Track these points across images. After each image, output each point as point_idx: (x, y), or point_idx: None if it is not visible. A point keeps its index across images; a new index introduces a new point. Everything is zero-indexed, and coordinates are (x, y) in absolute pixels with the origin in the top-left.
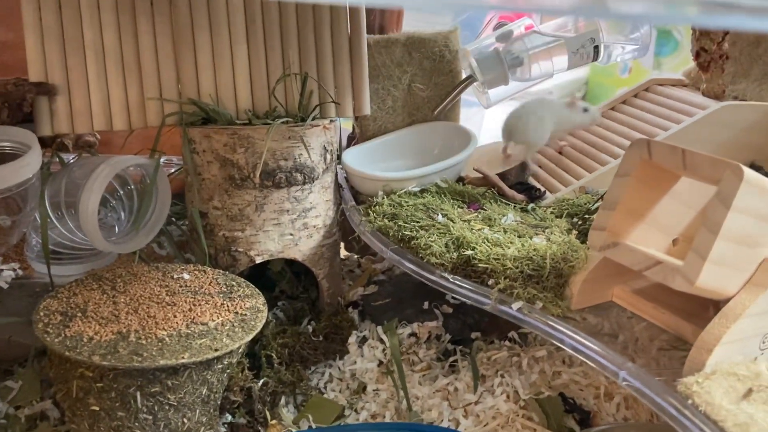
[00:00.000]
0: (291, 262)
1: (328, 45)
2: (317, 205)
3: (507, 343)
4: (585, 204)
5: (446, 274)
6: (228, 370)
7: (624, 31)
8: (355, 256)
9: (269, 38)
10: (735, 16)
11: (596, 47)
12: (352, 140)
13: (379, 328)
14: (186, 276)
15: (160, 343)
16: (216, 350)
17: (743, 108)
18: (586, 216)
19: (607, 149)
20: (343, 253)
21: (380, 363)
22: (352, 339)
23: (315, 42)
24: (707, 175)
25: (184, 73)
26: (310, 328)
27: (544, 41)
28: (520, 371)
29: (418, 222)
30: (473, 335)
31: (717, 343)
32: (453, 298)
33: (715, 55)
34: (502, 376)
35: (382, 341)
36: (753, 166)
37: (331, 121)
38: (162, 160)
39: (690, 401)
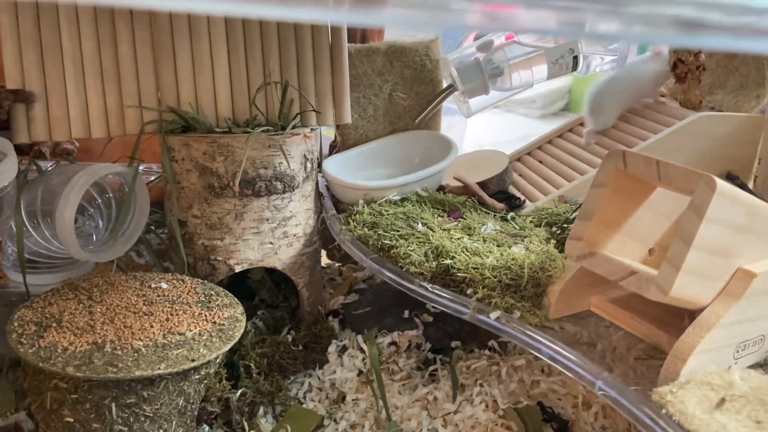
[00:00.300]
0: (271, 271)
1: (309, 53)
2: (297, 214)
3: (486, 352)
4: (564, 213)
5: (425, 284)
6: (205, 381)
7: (603, 43)
8: (337, 265)
9: (250, 46)
10: (710, 37)
11: (575, 58)
12: (334, 148)
13: (360, 337)
14: (164, 285)
15: (136, 354)
16: (193, 361)
17: (719, 118)
18: (565, 225)
19: (586, 158)
20: (325, 261)
21: (360, 372)
22: (332, 348)
23: (296, 50)
24: (681, 186)
25: (164, 80)
26: (290, 338)
27: (524, 51)
28: (500, 380)
29: (398, 231)
30: (453, 344)
31: (691, 352)
32: (433, 306)
33: (692, 66)
34: (481, 385)
35: (362, 350)
36: (729, 176)
37: (311, 129)
38: (141, 168)
39: (664, 411)
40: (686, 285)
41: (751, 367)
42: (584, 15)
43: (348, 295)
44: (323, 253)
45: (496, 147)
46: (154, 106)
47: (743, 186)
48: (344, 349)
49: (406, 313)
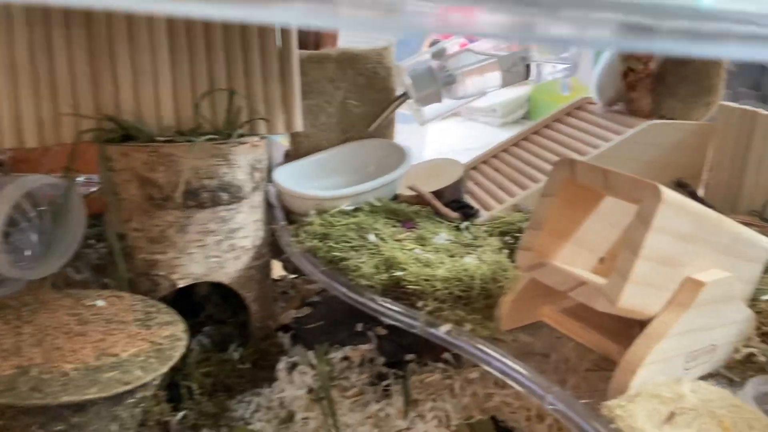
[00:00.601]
0: (219, 285)
1: (257, 59)
2: (245, 226)
3: (441, 365)
4: (517, 222)
5: (375, 297)
6: (142, 404)
7: (555, 51)
8: (290, 277)
9: (194, 51)
10: (656, 41)
11: (527, 66)
12: (288, 157)
13: (311, 353)
14: (100, 303)
15: (64, 378)
16: (127, 384)
17: (670, 126)
18: (518, 234)
19: (540, 167)
20: (279, 273)
21: (310, 390)
22: (282, 365)
23: (243, 56)
24: (628, 195)
25: (103, 87)
26: (237, 355)
27: (477, 59)
28: (453, 394)
29: (349, 242)
30: (408, 357)
31: (640, 364)
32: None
33: (642, 75)
34: (434, 399)
35: (313, 367)
36: (679, 184)
37: (260, 138)
38: (81, 179)
39: (613, 425)
40: (634, 295)
41: (702, 377)
42: (536, 19)
43: (300, 308)
44: (279, 264)
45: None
46: (91, 114)
47: (693, 194)
48: (294, 365)
49: (360, 327)
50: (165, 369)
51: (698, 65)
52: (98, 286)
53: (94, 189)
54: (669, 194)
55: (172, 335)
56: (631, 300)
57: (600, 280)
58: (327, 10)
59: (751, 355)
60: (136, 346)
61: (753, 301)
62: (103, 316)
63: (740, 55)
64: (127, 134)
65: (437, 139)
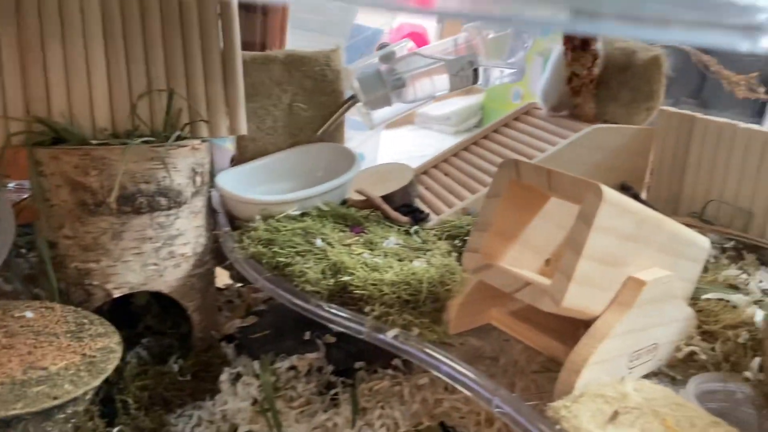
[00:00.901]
0: (159, 294)
1: (198, 59)
2: (186, 232)
3: (390, 371)
4: (466, 226)
5: (321, 303)
6: (73, 420)
7: (502, 56)
8: (236, 285)
9: (131, 50)
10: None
11: (475, 70)
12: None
13: (256, 363)
14: (29, 314)
15: None
16: (55, 398)
17: (612, 131)
18: (467, 238)
19: (488, 171)
20: (225, 281)
21: (255, 401)
22: (224, 376)
23: (183, 55)
24: (571, 196)
25: (32, 87)
26: (177, 367)
27: (425, 63)
28: (402, 401)
29: (294, 248)
30: (357, 365)
31: (584, 364)
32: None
33: (586, 80)
34: (382, 407)
35: (257, 377)
36: (623, 187)
37: (202, 141)
38: (12, 185)
39: (558, 426)
40: (578, 295)
41: (645, 376)
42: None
43: (246, 317)
44: (225, 272)
45: (411, 163)
46: (20, 116)
47: (636, 196)
48: (238, 376)
49: (308, 335)
50: (96, 383)
51: (639, 71)
52: (29, 296)
53: (26, 196)
54: (610, 194)
55: (106, 347)
56: (575, 300)
57: (545, 281)
58: None
59: (693, 353)
60: (67, 359)
61: (694, 300)
62: (32, 328)
63: (683, 40)
64: (58, 137)
65: (391, 147)
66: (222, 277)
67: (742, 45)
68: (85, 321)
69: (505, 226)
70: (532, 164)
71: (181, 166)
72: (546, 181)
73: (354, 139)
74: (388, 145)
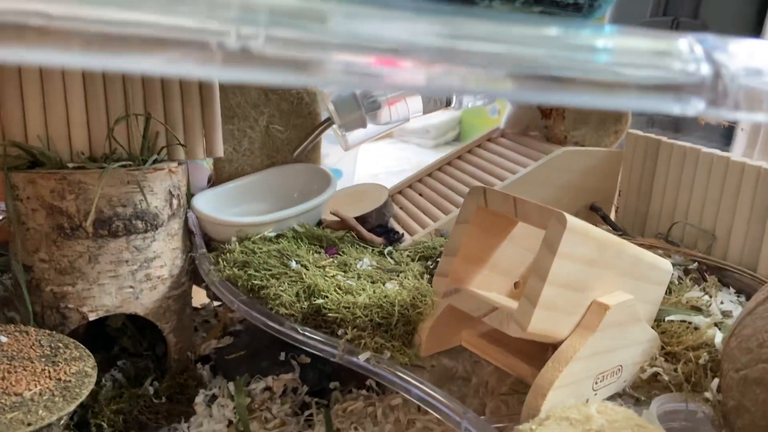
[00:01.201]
0: (135, 316)
1: (176, 83)
2: (162, 254)
3: (364, 392)
4: (439, 247)
5: (296, 326)
6: None
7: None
8: (213, 304)
9: (109, 74)
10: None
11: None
12: (212, 182)
13: (231, 385)
14: (3, 339)
15: None
16: (29, 425)
17: (582, 153)
18: (439, 259)
19: (461, 192)
20: (203, 301)
21: (230, 423)
22: (200, 398)
23: (161, 79)
24: (537, 222)
25: (8, 110)
26: (152, 389)
27: None
28: (375, 422)
29: (269, 270)
30: (332, 385)
31: (550, 387)
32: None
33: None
34: (356, 428)
35: (233, 399)
36: (593, 208)
37: (178, 163)
38: None
39: None
40: (543, 320)
41: (610, 398)
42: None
43: (222, 338)
44: (203, 291)
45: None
46: None
47: (605, 217)
48: (214, 398)
49: (283, 356)
50: (71, 408)
51: None
52: (3, 320)
53: (1, 218)
54: (573, 221)
55: (80, 371)
56: (541, 324)
57: (512, 305)
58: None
59: (656, 374)
60: (41, 384)
61: (657, 322)
62: (6, 353)
63: (636, 105)
64: (35, 160)
65: (370, 161)
66: (199, 296)
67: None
68: (60, 345)
69: (474, 250)
70: (499, 192)
71: (158, 189)
72: (512, 208)
73: (332, 154)
74: (367, 159)
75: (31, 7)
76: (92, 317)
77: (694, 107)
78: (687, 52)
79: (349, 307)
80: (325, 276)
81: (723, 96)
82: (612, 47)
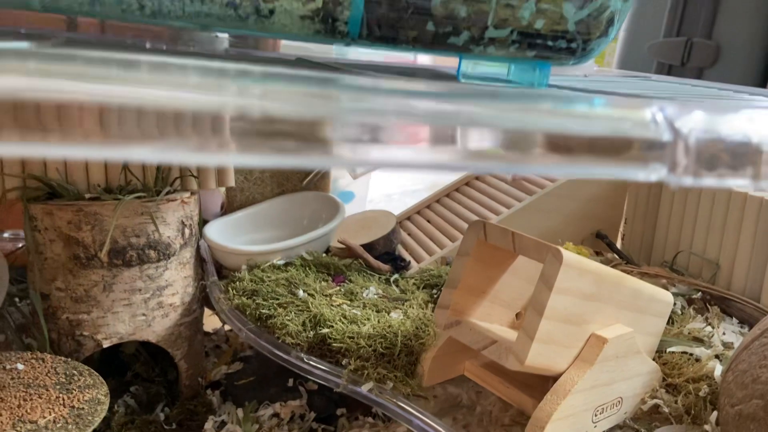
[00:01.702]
0: (147, 343)
1: None
2: (174, 283)
3: (370, 419)
4: (444, 275)
5: (302, 355)
6: None
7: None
8: (225, 329)
9: None
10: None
11: None
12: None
13: (240, 411)
14: (20, 366)
15: None
16: None
17: (588, 181)
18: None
19: (468, 219)
20: (215, 325)
21: None
22: (209, 425)
23: None
24: (535, 256)
25: None
26: (163, 416)
27: None
28: None
29: (277, 299)
30: (339, 412)
31: (548, 419)
32: None
33: None
34: None
35: (242, 425)
36: (599, 235)
37: (191, 194)
38: (7, 234)
39: None
40: (541, 354)
41: (610, 430)
42: None
43: (232, 363)
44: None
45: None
46: (16, 173)
47: (611, 245)
48: (223, 424)
49: (291, 382)
50: None
51: None
52: (21, 346)
53: (21, 245)
54: (569, 257)
55: (94, 399)
56: (539, 358)
57: (512, 337)
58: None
59: (657, 406)
60: (55, 411)
61: (659, 353)
62: (23, 381)
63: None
64: (53, 192)
65: (383, 180)
66: (212, 321)
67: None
68: (75, 372)
69: (475, 283)
70: (499, 226)
71: (171, 220)
72: (511, 243)
73: (344, 177)
74: (381, 179)
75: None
76: (106, 344)
77: (657, 173)
78: (649, 120)
79: (353, 337)
80: (331, 305)
81: (682, 162)
82: (575, 116)
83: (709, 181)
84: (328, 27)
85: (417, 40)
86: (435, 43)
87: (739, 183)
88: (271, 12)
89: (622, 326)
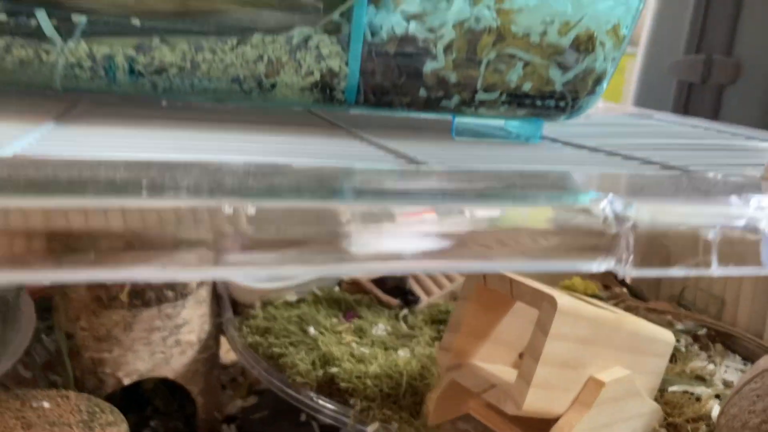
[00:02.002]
0: (166, 379)
1: None
2: (191, 321)
3: None
4: (453, 311)
5: (311, 394)
6: None
7: None
8: (240, 362)
9: None
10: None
11: None
12: None
13: None
14: (45, 404)
15: None
16: None
17: None
18: None
19: None
20: (233, 358)
21: None
22: None
23: None
24: (531, 303)
25: None
26: None
27: None
28: None
29: (288, 338)
30: None
31: None
32: None
33: None
34: None
35: None
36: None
37: None
38: None
39: None
40: (539, 398)
41: None
42: None
43: (247, 397)
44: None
45: None
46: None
47: (622, 281)
48: None
49: (304, 416)
50: None
51: None
52: (46, 383)
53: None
54: (564, 303)
55: None
56: (537, 403)
57: (509, 383)
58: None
59: None
60: None
61: (661, 392)
62: (48, 419)
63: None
64: None
65: None
66: (230, 352)
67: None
68: (97, 409)
69: (477, 326)
70: (497, 273)
71: None
72: (509, 289)
73: None
74: None
75: None
76: (127, 382)
77: (606, 264)
78: (599, 212)
79: (360, 377)
80: (341, 342)
81: (627, 254)
82: (523, 216)
83: (654, 272)
84: (326, 96)
85: (411, 104)
86: (428, 106)
87: (685, 272)
88: (273, 86)
89: (620, 368)
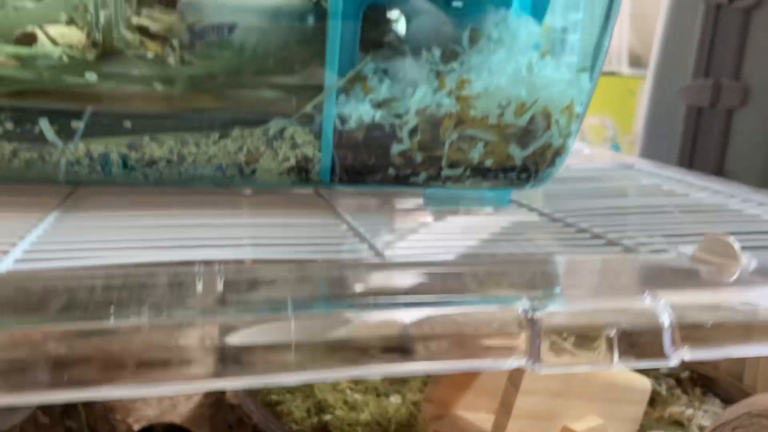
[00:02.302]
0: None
1: None
2: None
3: None
4: None
5: None
6: None
7: None
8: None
9: None
10: None
11: None
12: None
13: None
14: None
15: None
16: None
17: None
18: None
19: None
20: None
21: None
22: None
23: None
24: None
25: None
26: None
27: None
28: None
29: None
30: None
31: None
32: None
33: None
34: None
35: None
36: None
37: None
38: None
39: None
40: None
41: None
42: None
43: None
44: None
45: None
46: None
47: None
48: None
49: None
50: None
51: None
52: (63, 428)
53: None
54: None
55: None
56: None
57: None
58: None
59: None
60: None
61: None
62: None
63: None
64: None
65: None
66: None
67: None
68: None
69: (457, 376)
70: None
71: None
72: None
73: None
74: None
75: None
76: (137, 428)
77: (518, 363)
78: (512, 318)
79: (352, 424)
80: (335, 389)
81: (537, 353)
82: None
83: (562, 369)
84: (302, 178)
85: (382, 181)
86: (398, 182)
87: (593, 368)
88: (253, 172)
89: (594, 417)
